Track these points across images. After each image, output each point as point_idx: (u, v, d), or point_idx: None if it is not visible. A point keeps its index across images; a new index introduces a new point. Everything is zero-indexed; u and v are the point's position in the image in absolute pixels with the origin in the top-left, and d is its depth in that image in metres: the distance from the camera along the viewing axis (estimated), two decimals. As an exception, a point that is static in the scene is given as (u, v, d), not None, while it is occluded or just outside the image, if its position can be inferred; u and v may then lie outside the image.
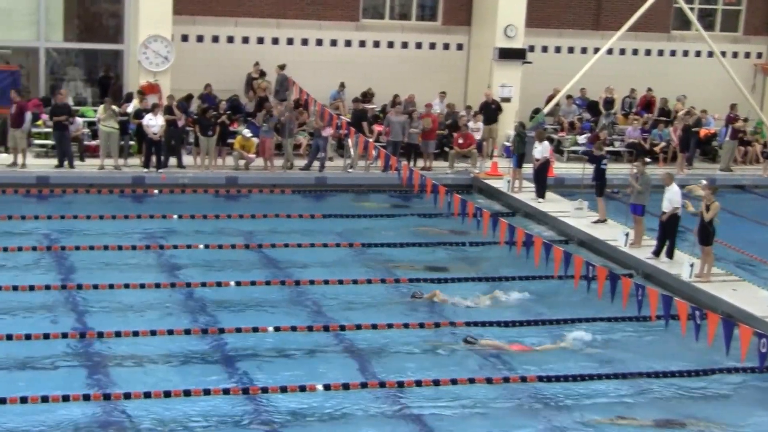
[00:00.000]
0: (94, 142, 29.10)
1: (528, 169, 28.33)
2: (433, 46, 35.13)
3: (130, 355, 16.43)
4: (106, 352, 16.52)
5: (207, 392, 15.08)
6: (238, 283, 19.99)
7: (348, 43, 34.27)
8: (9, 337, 16.57)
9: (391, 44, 34.71)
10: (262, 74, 32.34)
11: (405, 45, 34.86)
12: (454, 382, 16.04)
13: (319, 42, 33.99)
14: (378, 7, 35.21)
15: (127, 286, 19.33)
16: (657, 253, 22.42)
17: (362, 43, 34.44)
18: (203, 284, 19.90)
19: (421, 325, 18.57)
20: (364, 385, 15.85)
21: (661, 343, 18.48)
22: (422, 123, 30.31)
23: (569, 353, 17.73)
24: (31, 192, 26.42)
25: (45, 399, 14.41)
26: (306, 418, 14.71)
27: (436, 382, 15.98)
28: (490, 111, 32.58)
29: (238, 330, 17.56)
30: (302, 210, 26.20)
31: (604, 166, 25.61)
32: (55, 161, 27.96)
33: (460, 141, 30.71)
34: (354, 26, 34.37)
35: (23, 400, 14.33)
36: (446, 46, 35.27)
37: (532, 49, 34.62)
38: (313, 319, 18.59)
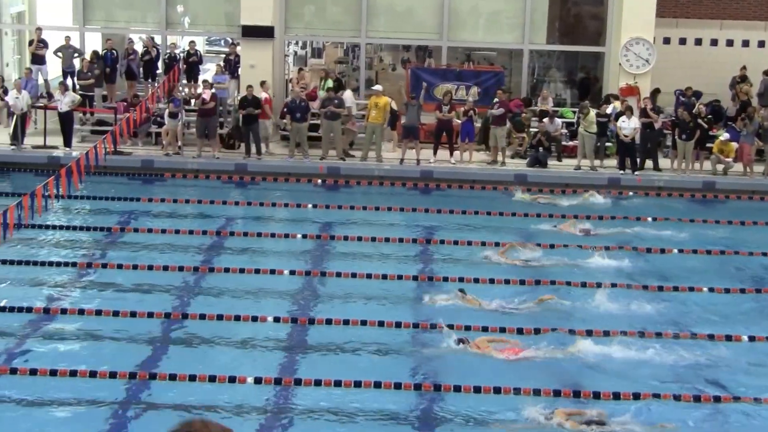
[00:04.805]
0: (571, 143, 29.55)
1: None
2: None
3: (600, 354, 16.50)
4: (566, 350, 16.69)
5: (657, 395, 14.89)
6: (711, 290, 19.60)
7: (839, 45, 32.60)
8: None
9: None
10: (745, 78, 31.40)
11: None
12: None
13: (808, 44, 32.61)
14: None
15: (583, 285, 19.50)
16: None
17: None
18: (675, 288, 19.68)
19: None
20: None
21: None
22: None
23: None
24: (509, 189, 27.17)
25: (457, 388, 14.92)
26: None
27: None
28: None
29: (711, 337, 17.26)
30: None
31: None
32: (532, 160, 28.79)
33: None
34: None
35: (416, 387, 14.98)
36: None
37: None
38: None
